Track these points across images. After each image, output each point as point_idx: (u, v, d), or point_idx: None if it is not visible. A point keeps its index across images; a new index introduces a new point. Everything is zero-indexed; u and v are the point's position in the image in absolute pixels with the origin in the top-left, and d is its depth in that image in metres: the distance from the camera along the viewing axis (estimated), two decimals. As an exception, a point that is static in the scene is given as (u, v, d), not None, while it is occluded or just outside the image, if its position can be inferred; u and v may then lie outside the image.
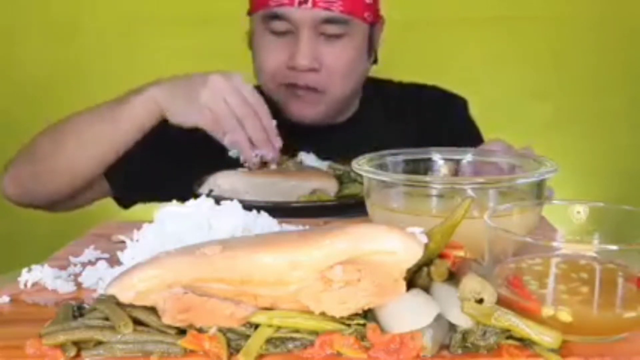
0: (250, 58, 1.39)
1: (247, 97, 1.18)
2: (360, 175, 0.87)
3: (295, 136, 1.25)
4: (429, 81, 1.56)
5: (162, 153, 1.31)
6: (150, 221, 0.81)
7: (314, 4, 1.25)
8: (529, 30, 2.27)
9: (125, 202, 1.43)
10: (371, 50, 1.39)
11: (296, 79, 1.30)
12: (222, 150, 1.21)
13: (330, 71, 1.31)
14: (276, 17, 1.28)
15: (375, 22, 1.37)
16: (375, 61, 1.42)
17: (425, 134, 1.30)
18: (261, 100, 1.20)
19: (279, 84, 1.32)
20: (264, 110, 1.19)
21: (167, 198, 1.07)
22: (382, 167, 0.89)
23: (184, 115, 1.19)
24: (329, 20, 1.28)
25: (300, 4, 1.25)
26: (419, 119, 1.46)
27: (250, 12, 1.37)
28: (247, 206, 0.84)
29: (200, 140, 1.21)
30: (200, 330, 0.60)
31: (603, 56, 2.29)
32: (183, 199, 0.86)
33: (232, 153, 1.21)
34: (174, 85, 1.21)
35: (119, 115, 1.22)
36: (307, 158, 1.25)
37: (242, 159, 1.20)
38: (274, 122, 1.21)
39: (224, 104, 1.16)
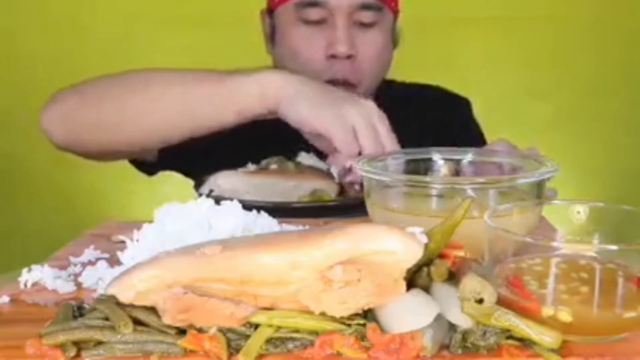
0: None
1: (393, 139, 1.07)
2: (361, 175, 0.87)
3: (296, 136, 1.25)
4: (430, 81, 1.56)
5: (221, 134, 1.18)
6: (150, 221, 0.81)
7: None
8: (529, 31, 2.27)
9: (155, 168, 1.38)
10: (393, 41, 1.41)
11: (335, 72, 1.30)
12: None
13: (364, 60, 1.31)
14: (311, 4, 1.29)
15: (397, 12, 1.40)
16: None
17: (428, 135, 1.30)
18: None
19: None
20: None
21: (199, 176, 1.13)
22: (383, 167, 0.89)
23: (308, 115, 1.06)
24: (364, 7, 1.29)
25: None
26: (421, 119, 1.46)
27: (273, 8, 1.37)
28: (247, 206, 0.84)
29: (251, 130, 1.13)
30: (200, 330, 0.60)
31: (603, 56, 2.30)
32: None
33: (335, 170, 1.13)
34: (305, 83, 1.10)
35: (222, 93, 1.11)
36: (307, 158, 1.25)
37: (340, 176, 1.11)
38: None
39: (372, 130, 1.04)
